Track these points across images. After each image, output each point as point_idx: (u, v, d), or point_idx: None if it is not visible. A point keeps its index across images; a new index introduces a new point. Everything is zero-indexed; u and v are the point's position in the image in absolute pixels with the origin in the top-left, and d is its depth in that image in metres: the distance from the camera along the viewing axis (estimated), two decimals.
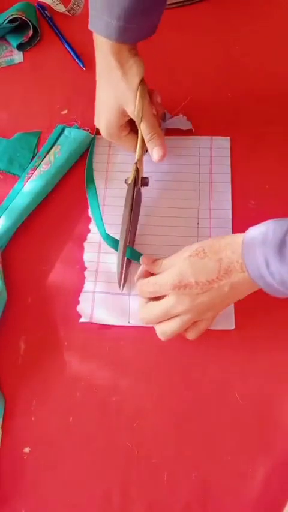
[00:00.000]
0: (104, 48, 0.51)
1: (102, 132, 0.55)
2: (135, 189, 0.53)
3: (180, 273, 0.44)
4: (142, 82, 0.51)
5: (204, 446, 0.46)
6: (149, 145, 0.53)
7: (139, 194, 0.54)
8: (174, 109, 0.61)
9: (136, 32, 0.50)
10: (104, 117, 0.54)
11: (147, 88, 0.52)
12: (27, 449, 0.47)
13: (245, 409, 0.47)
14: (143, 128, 0.52)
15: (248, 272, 0.41)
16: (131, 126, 0.55)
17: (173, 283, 0.44)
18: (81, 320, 0.51)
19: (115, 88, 0.52)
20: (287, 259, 0.39)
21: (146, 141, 0.53)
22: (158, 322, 0.47)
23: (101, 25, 0.49)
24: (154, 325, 0.48)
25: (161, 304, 0.46)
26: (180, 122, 0.59)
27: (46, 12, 0.69)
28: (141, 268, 0.49)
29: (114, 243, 0.53)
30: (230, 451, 0.46)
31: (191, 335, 0.47)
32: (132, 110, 0.51)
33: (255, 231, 0.42)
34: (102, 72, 0.53)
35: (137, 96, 0.51)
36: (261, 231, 0.41)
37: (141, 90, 0.51)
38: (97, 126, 0.56)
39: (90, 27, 0.51)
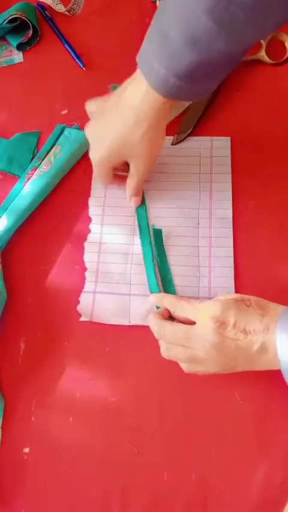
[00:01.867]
0: (145, 91, 0.45)
1: (101, 159, 0.51)
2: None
3: (223, 308, 0.42)
4: None
5: (204, 446, 0.46)
6: (128, 193, 0.54)
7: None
8: None
9: (192, 92, 0.45)
10: (106, 147, 0.50)
11: None
12: (27, 449, 0.47)
13: (245, 409, 0.47)
14: (130, 184, 0.53)
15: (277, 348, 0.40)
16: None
17: (213, 315, 0.42)
18: (82, 319, 0.51)
19: (130, 138, 0.48)
20: None
21: (128, 195, 0.54)
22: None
23: (153, 74, 0.43)
24: (162, 340, 0.46)
25: (187, 327, 0.43)
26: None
27: (46, 12, 0.69)
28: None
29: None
30: (230, 451, 0.46)
31: (186, 367, 0.45)
32: (135, 167, 0.50)
33: None
34: (127, 109, 0.47)
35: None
36: None
37: None
38: (96, 154, 0.51)
39: (139, 64, 0.45)
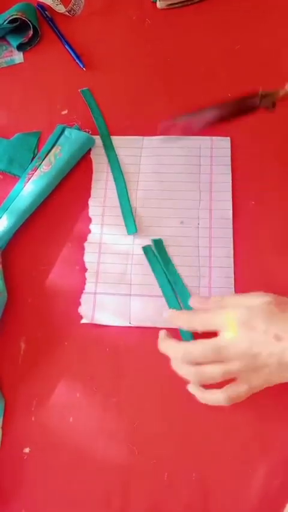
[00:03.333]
0: None
1: None
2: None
3: (250, 312, 0.39)
4: None
5: (204, 446, 0.46)
6: None
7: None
8: (174, 109, 0.61)
9: None
10: None
11: None
12: (27, 449, 0.47)
13: (245, 410, 0.47)
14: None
15: None
16: None
17: (240, 318, 0.39)
18: (83, 321, 0.51)
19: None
20: None
21: None
22: (197, 363, 0.41)
23: None
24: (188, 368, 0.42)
25: (215, 339, 0.40)
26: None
27: (46, 12, 0.69)
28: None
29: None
30: (230, 451, 0.46)
31: (227, 395, 0.41)
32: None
33: None
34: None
35: None
36: None
37: None
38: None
39: None
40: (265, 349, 0.38)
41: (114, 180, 0.58)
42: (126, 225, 0.55)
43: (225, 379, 0.41)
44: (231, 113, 0.52)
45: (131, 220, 0.55)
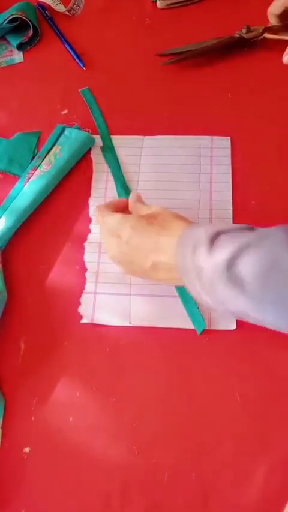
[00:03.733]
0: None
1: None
2: None
3: (119, 223, 0.45)
4: None
5: (204, 446, 0.46)
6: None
7: None
8: (174, 109, 0.61)
9: None
10: None
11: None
12: (27, 449, 0.47)
13: (245, 409, 0.47)
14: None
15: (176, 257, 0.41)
16: None
17: (110, 228, 0.46)
18: (83, 321, 0.51)
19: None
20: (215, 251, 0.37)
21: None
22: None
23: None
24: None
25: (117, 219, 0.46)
26: None
27: (46, 12, 0.69)
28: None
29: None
30: (230, 451, 0.46)
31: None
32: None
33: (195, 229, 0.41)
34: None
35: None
36: (199, 230, 0.40)
37: None
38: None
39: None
40: (127, 257, 0.45)
41: (114, 180, 0.58)
42: None
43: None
44: (221, 47, 0.62)
45: None
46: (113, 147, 0.59)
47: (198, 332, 0.50)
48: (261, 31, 0.63)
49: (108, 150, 0.59)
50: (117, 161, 0.59)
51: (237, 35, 0.63)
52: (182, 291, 0.52)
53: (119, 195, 0.56)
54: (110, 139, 0.60)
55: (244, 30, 0.63)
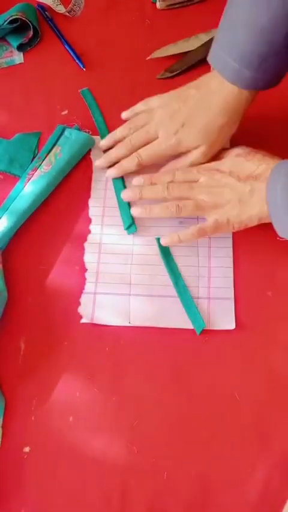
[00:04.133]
0: (227, 85, 0.51)
1: (175, 141, 0.54)
2: None
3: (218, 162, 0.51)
4: None
5: (204, 446, 0.46)
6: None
7: None
8: None
9: (267, 82, 0.51)
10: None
11: None
12: (27, 449, 0.47)
13: (245, 409, 0.47)
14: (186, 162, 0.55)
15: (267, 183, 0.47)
16: None
17: (204, 152, 0.53)
18: (83, 321, 0.51)
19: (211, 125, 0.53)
20: None
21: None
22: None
23: (228, 69, 0.50)
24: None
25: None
26: None
27: (46, 13, 0.69)
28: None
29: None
30: (230, 451, 0.46)
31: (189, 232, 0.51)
32: (203, 152, 0.54)
33: None
34: (212, 99, 0.52)
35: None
36: None
37: None
38: (169, 139, 0.54)
39: (213, 63, 0.52)
40: (227, 180, 0.50)
41: (113, 181, 0.58)
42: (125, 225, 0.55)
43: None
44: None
45: (130, 220, 0.55)
46: (112, 147, 0.59)
47: (198, 332, 0.50)
48: None
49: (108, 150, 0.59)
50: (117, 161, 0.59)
51: None
52: (182, 291, 0.52)
53: (118, 195, 0.56)
54: None
55: None
